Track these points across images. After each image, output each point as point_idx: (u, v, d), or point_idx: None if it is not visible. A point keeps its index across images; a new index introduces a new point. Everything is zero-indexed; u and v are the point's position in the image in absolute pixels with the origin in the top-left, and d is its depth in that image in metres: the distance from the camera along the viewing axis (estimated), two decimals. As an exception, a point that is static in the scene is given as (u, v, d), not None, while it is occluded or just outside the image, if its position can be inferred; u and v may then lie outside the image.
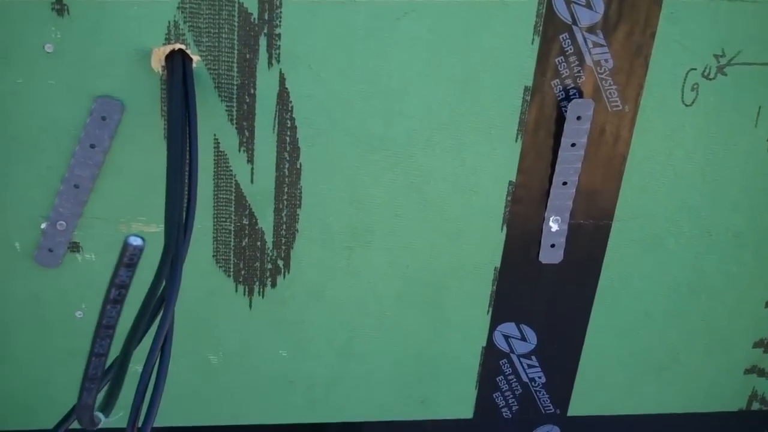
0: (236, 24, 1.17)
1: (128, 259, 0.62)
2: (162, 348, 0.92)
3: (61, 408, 1.38)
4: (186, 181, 1.11)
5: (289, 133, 1.24)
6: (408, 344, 1.43)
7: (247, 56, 1.19)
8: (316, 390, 1.44)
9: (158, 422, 1.03)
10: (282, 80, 1.21)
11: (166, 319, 0.91)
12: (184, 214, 1.07)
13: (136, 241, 0.61)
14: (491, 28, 1.22)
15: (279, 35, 1.18)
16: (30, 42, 1.13)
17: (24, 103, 1.17)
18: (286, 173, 1.27)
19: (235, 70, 1.20)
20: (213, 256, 1.32)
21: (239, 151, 1.25)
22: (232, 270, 1.33)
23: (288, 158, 1.26)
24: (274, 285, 1.35)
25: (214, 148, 1.24)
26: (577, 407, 1.56)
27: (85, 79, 1.17)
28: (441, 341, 1.45)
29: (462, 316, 1.43)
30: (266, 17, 1.17)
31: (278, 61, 1.20)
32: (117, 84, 1.18)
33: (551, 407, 1.55)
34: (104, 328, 0.68)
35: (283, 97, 1.22)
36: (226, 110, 1.22)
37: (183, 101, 1.12)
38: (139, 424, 1.04)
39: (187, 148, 1.12)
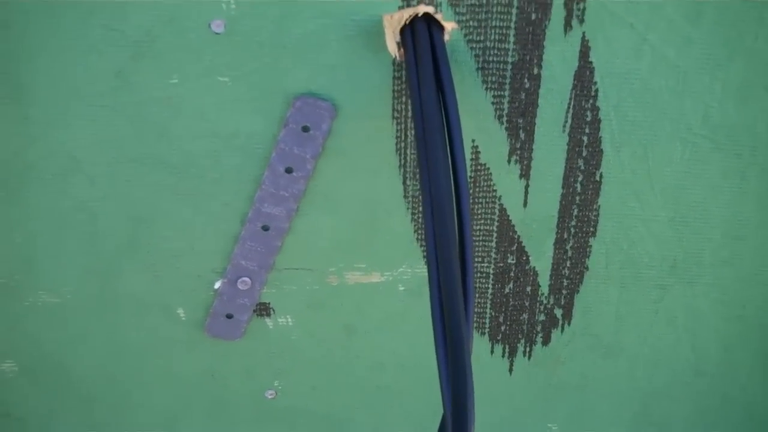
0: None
1: None
2: None
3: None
4: (453, 208, 0.64)
5: (588, 130, 0.78)
6: (736, 404, 1.00)
7: (533, 16, 0.72)
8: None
9: None
10: (584, 51, 0.74)
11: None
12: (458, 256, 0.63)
13: None
14: None
15: (589, -21, 0.72)
16: (190, 18, 0.70)
17: (181, 110, 0.74)
18: (578, 189, 0.82)
19: (511, 39, 0.73)
20: (462, 309, 0.89)
21: (509, 161, 0.80)
22: (487, 326, 0.91)
23: (583, 167, 0.80)
24: (546, 342, 0.92)
25: (472, 160, 0.79)
26: None
27: (273, 72, 0.73)
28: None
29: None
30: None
31: (581, 21, 0.73)
32: (323, 75, 0.73)
33: None
34: None
35: (583, 77, 0.75)
36: (493, 103, 0.76)
37: (436, 93, 0.67)
38: None
39: (450, 162, 0.66)
